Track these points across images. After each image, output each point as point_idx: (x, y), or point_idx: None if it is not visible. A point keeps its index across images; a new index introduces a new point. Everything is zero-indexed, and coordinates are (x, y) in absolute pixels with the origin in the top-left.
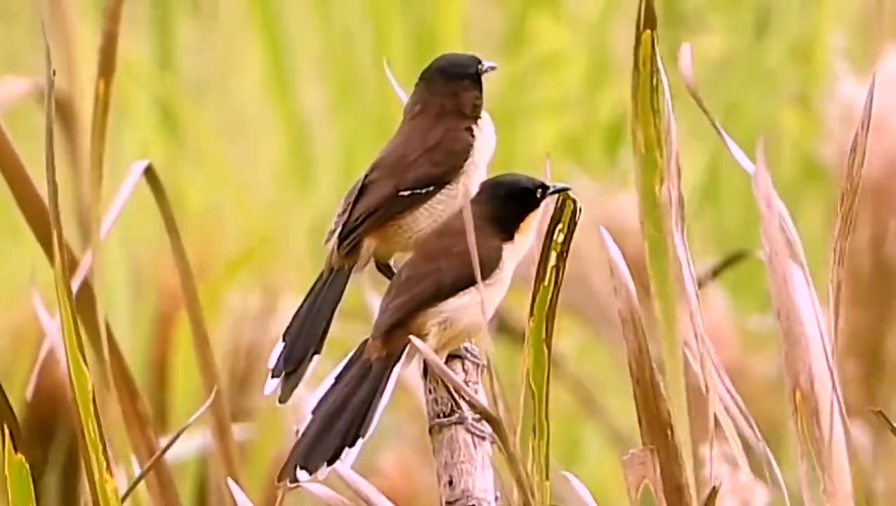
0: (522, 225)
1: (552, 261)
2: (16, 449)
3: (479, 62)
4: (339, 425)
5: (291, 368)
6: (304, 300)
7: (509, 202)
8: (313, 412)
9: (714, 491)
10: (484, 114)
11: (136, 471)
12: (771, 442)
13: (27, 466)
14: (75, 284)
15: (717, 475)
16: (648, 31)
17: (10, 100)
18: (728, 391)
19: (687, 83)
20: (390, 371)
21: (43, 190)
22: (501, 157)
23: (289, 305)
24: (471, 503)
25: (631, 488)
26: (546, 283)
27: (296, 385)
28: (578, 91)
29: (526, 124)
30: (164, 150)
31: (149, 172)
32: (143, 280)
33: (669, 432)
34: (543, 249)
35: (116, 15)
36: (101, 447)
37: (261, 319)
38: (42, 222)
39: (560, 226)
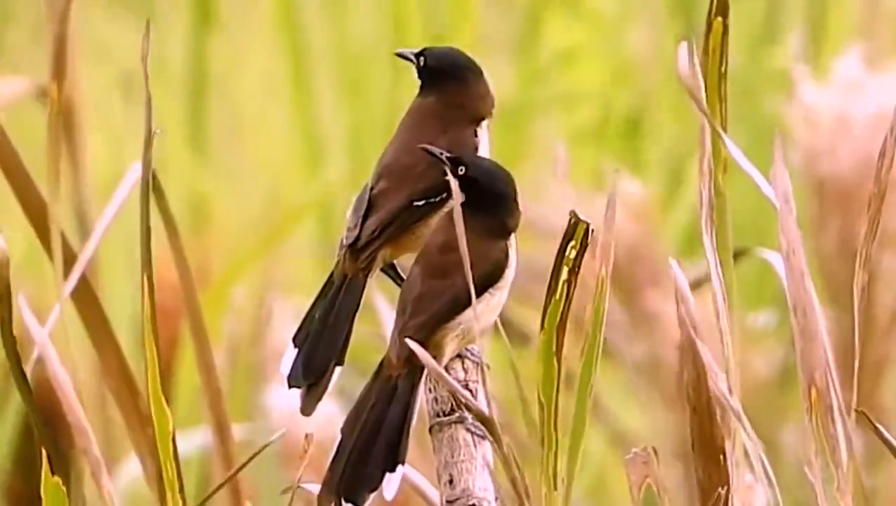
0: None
1: (564, 276)
2: (52, 471)
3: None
4: (377, 450)
5: (312, 379)
6: (314, 306)
7: (499, 200)
8: (342, 432)
9: (719, 497)
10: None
11: (137, 468)
12: (772, 440)
13: (63, 489)
14: (72, 281)
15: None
16: (720, 19)
17: (10, 100)
18: (725, 390)
19: (686, 83)
20: (416, 389)
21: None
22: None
23: (292, 302)
24: (471, 502)
25: (633, 488)
26: (557, 297)
27: (320, 398)
28: (591, 88)
29: (536, 121)
30: (173, 143)
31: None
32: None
33: (722, 458)
34: (556, 264)
35: (65, 17)
36: (178, 486)
37: (265, 315)
38: (41, 219)
39: (573, 243)
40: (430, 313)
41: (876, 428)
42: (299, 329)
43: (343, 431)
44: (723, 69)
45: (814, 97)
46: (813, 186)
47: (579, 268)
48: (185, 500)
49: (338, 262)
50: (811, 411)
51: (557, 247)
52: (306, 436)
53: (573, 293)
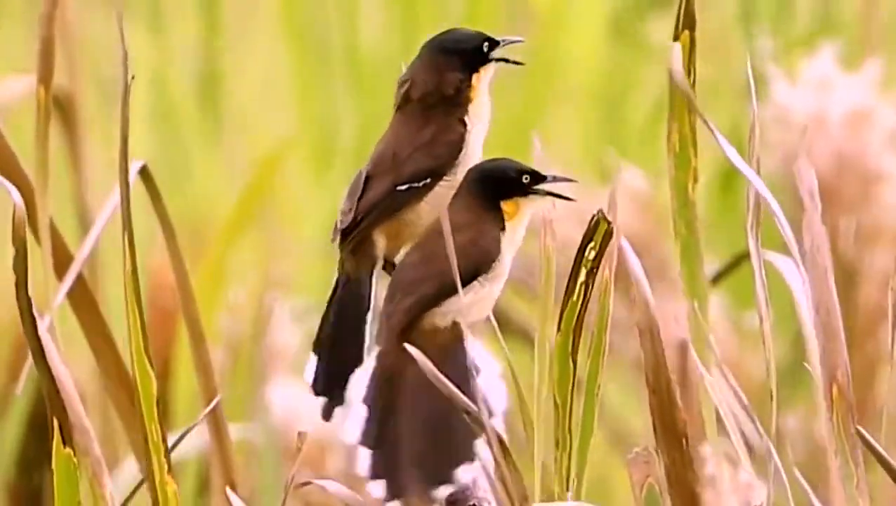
0: (511, 212)
1: (581, 277)
2: (64, 443)
3: (486, 40)
4: (434, 446)
5: (336, 390)
6: (328, 310)
7: (495, 191)
8: (363, 435)
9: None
10: (481, 93)
11: (136, 469)
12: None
13: (75, 460)
14: (68, 281)
15: (719, 474)
16: (687, 32)
17: (10, 100)
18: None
19: (678, 83)
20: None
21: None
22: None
23: (292, 302)
24: (471, 502)
25: (635, 487)
26: (574, 298)
27: (341, 404)
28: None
29: (548, 116)
30: (179, 143)
31: (143, 173)
32: (144, 277)
33: (684, 442)
34: (574, 264)
35: (51, 20)
36: (163, 450)
37: (265, 315)
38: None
39: (592, 243)
40: (417, 297)
41: (859, 433)
42: (317, 337)
43: (362, 432)
44: (691, 81)
45: (787, 97)
46: (789, 186)
47: (597, 269)
48: (170, 463)
49: (340, 259)
50: (832, 410)
51: (542, 238)
52: (299, 434)
53: (591, 295)
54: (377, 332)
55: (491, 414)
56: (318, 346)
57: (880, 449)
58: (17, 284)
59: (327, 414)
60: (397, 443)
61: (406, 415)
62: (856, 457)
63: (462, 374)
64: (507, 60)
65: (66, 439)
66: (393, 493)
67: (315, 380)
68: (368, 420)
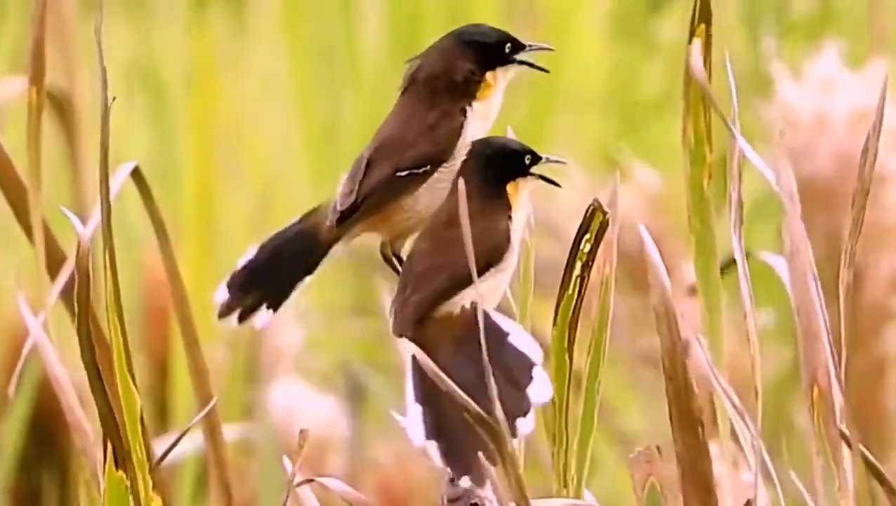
0: (513, 193)
1: (577, 270)
2: (117, 466)
3: (510, 41)
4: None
5: (247, 299)
6: (282, 238)
7: (502, 171)
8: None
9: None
10: (494, 92)
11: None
12: (772, 440)
13: (127, 482)
14: (62, 280)
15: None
16: (703, 25)
17: (10, 100)
18: (726, 389)
19: (697, 79)
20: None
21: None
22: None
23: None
24: (472, 501)
25: (637, 487)
26: (570, 292)
27: (241, 315)
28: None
29: (557, 113)
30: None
31: (135, 174)
32: (142, 279)
33: (700, 430)
34: (570, 257)
35: (42, 21)
36: (147, 467)
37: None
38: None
39: (587, 235)
40: (432, 289)
41: (842, 434)
42: (266, 245)
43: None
44: (708, 75)
45: (792, 96)
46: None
47: (593, 262)
48: (155, 479)
49: (311, 219)
50: (813, 411)
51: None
52: (301, 432)
53: (586, 288)
54: (391, 323)
55: (532, 365)
56: (263, 250)
57: (866, 452)
58: (79, 314)
59: (223, 313)
60: (455, 414)
61: (454, 380)
62: (838, 458)
63: (478, 358)
64: (531, 65)
65: (119, 462)
66: (455, 458)
67: (238, 273)
68: (425, 413)
